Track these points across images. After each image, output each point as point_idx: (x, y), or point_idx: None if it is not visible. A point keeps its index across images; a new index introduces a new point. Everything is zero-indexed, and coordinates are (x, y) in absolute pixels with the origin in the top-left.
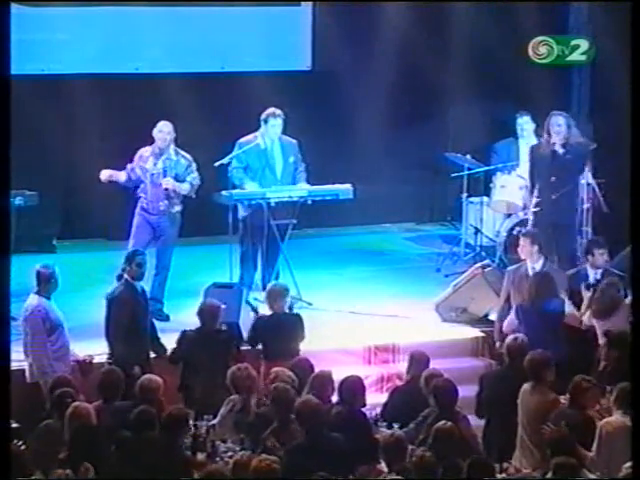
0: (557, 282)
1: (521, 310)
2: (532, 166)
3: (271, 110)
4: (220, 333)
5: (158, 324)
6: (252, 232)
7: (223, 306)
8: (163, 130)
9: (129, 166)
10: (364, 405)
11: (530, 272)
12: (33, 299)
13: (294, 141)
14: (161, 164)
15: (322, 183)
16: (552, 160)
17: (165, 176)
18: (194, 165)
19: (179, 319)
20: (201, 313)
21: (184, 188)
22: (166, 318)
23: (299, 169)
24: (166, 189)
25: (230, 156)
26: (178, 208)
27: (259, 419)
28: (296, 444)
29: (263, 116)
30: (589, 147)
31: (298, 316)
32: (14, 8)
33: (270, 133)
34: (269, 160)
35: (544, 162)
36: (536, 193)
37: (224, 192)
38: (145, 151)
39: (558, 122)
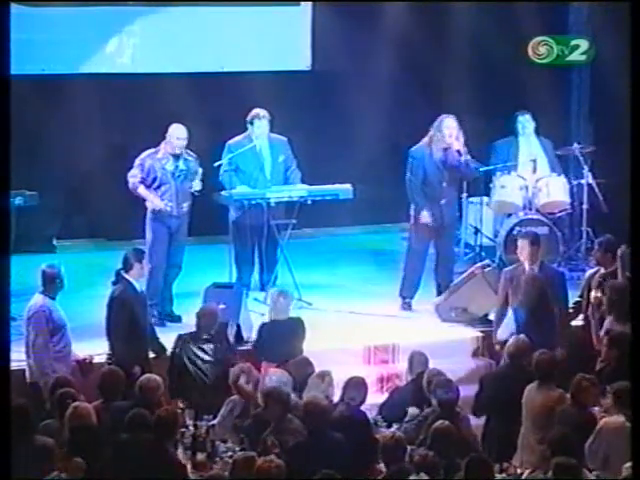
0: (557, 283)
1: (519, 314)
2: (417, 167)
3: (255, 112)
4: (217, 334)
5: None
6: (250, 232)
7: (222, 306)
8: (181, 137)
9: (138, 173)
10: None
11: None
12: (38, 298)
13: (284, 139)
14: (183, 166)
15: (322, 183)
16: (442, 164)
17: (187, 177)
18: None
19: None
20: (199, 316)
21: (197, 186)
22: (178, 319)
23: (291, 167)
24: (190, 188)
25: (229, 156)
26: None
27: (258, 420)
28: (298, 443)
29: (248, 118)
30: (467, 155)
31: (300, 321)
32: (14, 8)
33: (257, 134)
34: (259, 161)
35: (432, 166)
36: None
37: (224, 192)
38: (156, 153)
39: (450, 125)
